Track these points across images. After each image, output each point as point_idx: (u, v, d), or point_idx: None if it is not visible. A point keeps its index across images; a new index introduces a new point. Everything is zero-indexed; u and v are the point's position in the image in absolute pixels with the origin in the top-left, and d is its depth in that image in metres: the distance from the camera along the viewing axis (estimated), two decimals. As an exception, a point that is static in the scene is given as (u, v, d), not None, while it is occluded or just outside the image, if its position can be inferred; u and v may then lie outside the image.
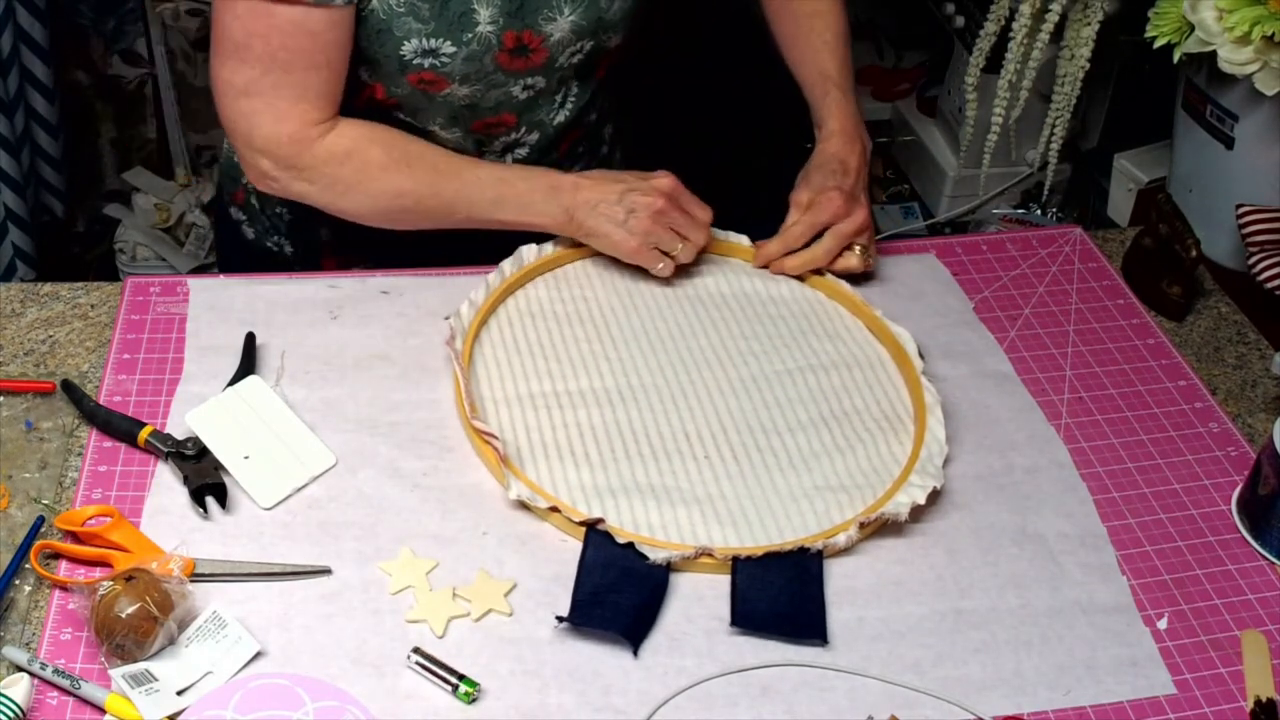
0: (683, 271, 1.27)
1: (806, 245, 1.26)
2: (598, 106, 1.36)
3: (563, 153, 1.35)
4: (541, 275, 1.26)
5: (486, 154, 1.29)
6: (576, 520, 1.02)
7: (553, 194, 1.21)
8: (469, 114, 1.24)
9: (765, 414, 1.14)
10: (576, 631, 0.96)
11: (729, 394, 1.16)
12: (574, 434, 1.10)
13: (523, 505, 1.04)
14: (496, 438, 1.05)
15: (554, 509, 1.03)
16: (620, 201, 1.20)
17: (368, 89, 1.22)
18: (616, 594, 0.98)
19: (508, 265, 1.23)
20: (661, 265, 1.23)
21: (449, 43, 1.15)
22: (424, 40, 1.15)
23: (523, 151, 1.30)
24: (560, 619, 0.96)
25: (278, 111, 1.14)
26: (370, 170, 1.17)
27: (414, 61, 1.17)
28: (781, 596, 0.98)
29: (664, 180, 1.21)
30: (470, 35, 1.15)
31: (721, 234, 1.30)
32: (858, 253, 1.26)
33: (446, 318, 1.21)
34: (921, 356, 1.17)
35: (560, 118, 1.30)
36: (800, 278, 1.27)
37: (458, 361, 1.12)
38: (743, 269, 1.29)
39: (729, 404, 1.15)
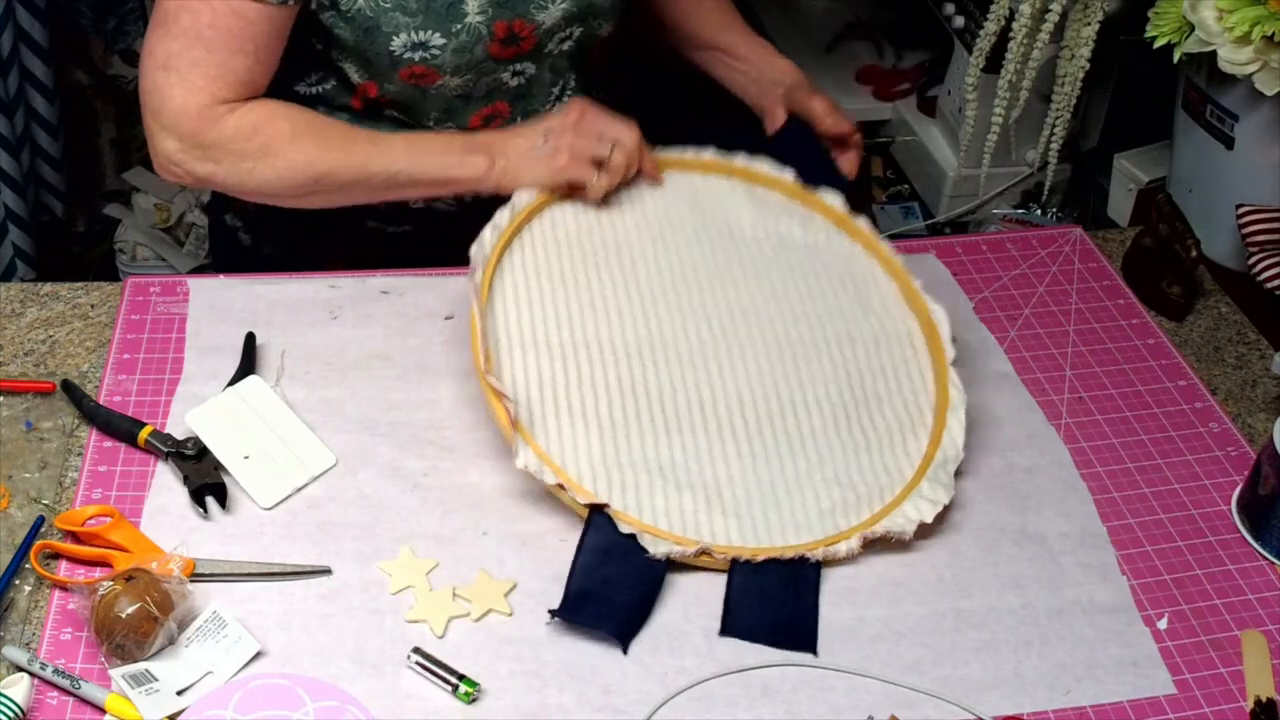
0: (717, 207, 1.24)
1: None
2: (594, 100, 1.35)
3: None
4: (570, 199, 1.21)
5: None
6: (581, 501, 1.01)
7: (470, 146, 1.19)
8: (462, 105, 1.23)
9: (785, 388, 1.11)
10: (576, 631, 0.96)
11: (751, 360, 1.13)
12: (588, 392, 1.08)
13: (523, 496, 1.04)
14: (510, 399, 1.04)
15: (560, 485, 1.02)
16: (536, 132, 1.18)
17: (360, 88, 1.21)
18: (612, 589, 0.97)
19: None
20: (597, 178, 1.18)
21: (438, 34, 1.15)
22: (412, 34, 1.15)
23: None
24: (553, 613, 0.96)
25: (190, 85, 1.13)
26: (278, 143, 1.15)
27: (404, 56, 1.16)
28: (775, 604, 0.98)
29: (574, 102, 1.20)
30: (459, 26, 1.15)
31: (764, 166, 1.25)
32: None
33: (447, 317, 1.21)
34: (954, 341, 1.14)
35: (557, 110, 1.29)
36: (842, 228, 1.24)
37: (476, 298, 1.09)
38: (783, 209, 1.24)
39: (749, 371, 1.12)
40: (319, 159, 1.16)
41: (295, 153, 1.15)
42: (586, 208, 1.21)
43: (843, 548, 1.01)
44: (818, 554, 1.01)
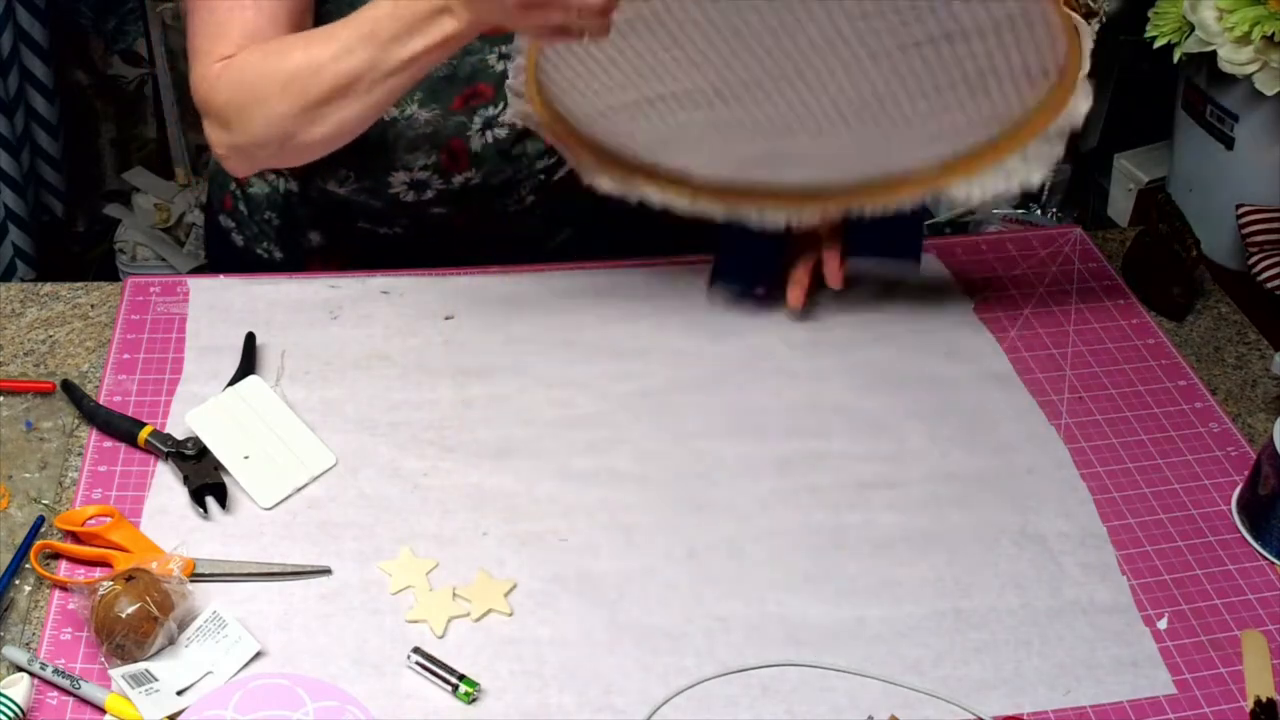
0: None
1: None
2: None
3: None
4: None
5: (469, 134, 1.26)
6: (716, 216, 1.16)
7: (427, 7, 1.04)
8: (447, 87, 1.21)
9: (884, 84, 1.04)
10: (577, 631, 0.96)
11: (847, 67, 1.03)
12: (689, 120, 1.10)
13: (523, 496, 1.04)
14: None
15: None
16: None
17: None
18: (751, 251, 1.19)
19: None
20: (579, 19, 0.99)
21: None
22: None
23: (502, 131, 1.26)
24: (712, 281, 1.20)
25: (197, 54, 1.11)
26: (253, 70, 1.10)
27: None
28: (882, 223, 1.15)
29: None
30: None
31: None
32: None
33: (447, 318, 1.21)
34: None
35: None
36: None
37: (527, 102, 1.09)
38: None
39: (844, 80, 1.04)
40: (298, 69, 1.08)
41: (272, 74, 1.08)
42: None
43: (960, 192, 1.12)
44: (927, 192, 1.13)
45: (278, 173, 1.32)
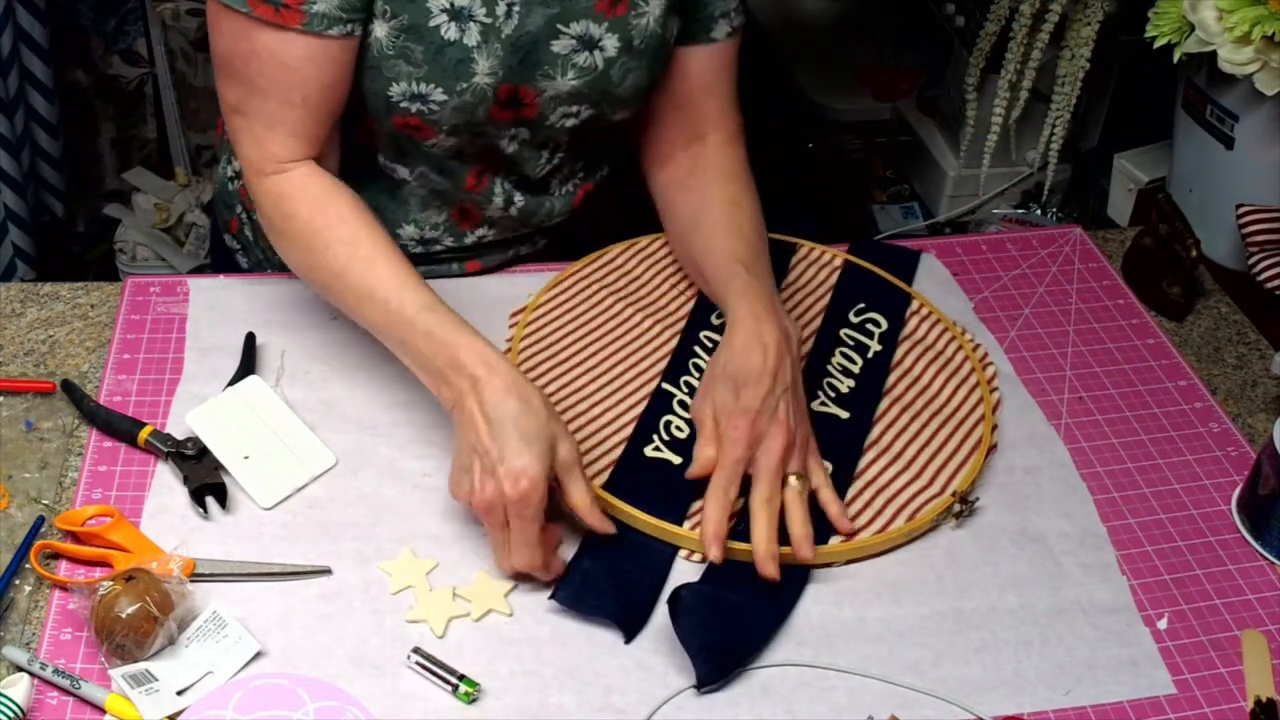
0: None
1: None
2: (593, 173, 1.30)
3: (546, 191, 1.28)
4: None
5: (485, 199, 1.22)
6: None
7: (442, 379, 1.00)
8: (457, 165, 1.19)
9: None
10: (576, 631, 0.96)
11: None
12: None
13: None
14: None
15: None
16: (488, 451, 0.95)
17: (368, 119, 1.15)
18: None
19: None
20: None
21: (440, 90, 1.10)
22: (413, 84, 1.10)
23: (522, 199, 1.24)
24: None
25: (253, 134, 1.10)
26: (290, 224, 1.10)
27: (400, 105, 1.11)
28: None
29: (523, 482, 0.93)
30: (465, 85, 1.10)
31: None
32: (795, 487, 1.00)
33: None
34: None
35: (544, 172, 1.24)
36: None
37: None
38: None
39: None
40: (309, 273, 1.10)
41: (296, 243, 1.09)
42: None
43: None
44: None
45: None
